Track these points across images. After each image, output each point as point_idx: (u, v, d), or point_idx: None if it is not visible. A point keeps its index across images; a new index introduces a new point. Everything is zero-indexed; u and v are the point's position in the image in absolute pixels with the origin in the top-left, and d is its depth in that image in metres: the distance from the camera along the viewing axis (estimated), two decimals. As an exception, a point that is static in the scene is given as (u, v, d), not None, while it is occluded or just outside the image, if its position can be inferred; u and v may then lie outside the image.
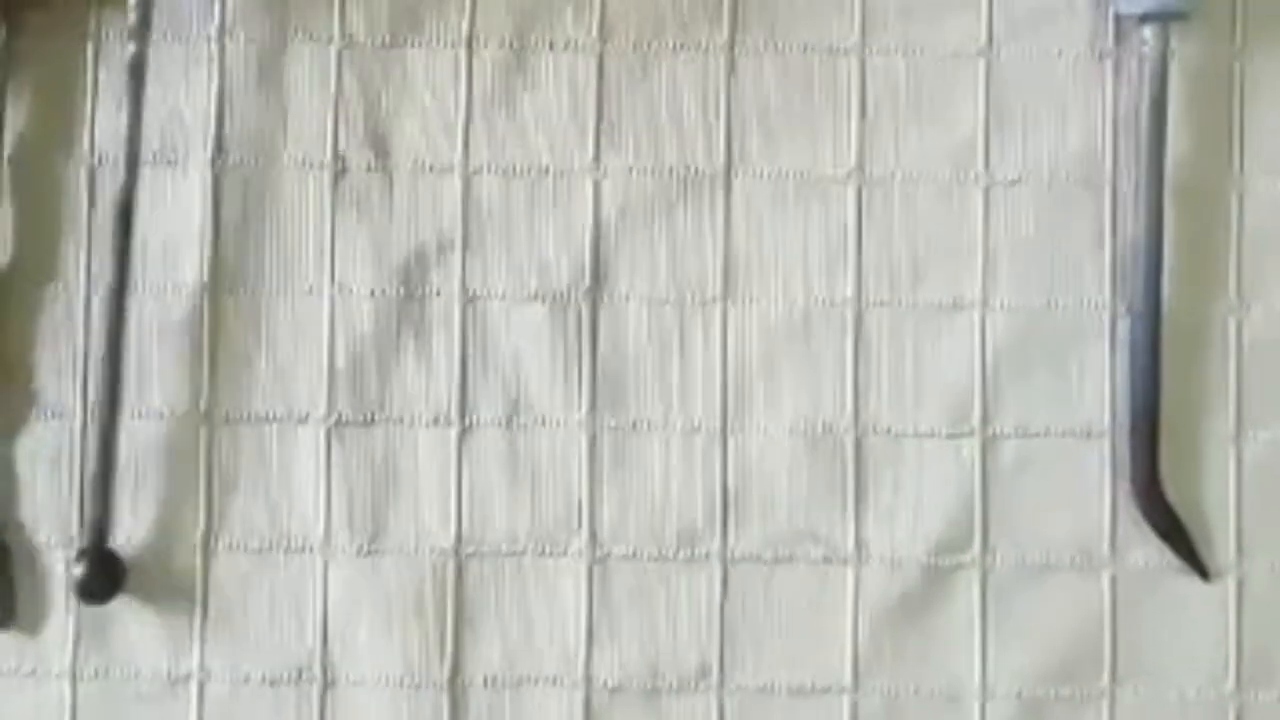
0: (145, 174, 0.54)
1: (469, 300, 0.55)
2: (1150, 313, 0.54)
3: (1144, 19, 0.54)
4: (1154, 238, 0.54)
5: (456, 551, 0.54)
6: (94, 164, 0.55)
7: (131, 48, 0.53)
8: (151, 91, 0.55)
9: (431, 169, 0.55)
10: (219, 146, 0.55)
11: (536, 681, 0.54)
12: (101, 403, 0.53)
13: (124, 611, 0.54)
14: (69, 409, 0.54)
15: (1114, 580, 0.54)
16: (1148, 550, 0.54)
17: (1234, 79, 0.55)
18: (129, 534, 0.54)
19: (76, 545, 0.53)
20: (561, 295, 0.55)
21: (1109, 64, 0.55)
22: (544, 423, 0.55)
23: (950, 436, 0.55)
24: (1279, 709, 0.54)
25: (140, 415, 0.54)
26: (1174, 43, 0.54)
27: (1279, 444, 0.55)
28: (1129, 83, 0.55)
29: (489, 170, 0.55)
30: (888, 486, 0.55)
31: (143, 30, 0.53)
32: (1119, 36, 0.55)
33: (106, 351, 0.53)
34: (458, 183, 0.55)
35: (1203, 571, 0.54)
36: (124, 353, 0.54)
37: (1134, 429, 0.54)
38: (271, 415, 0.54)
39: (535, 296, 0.55)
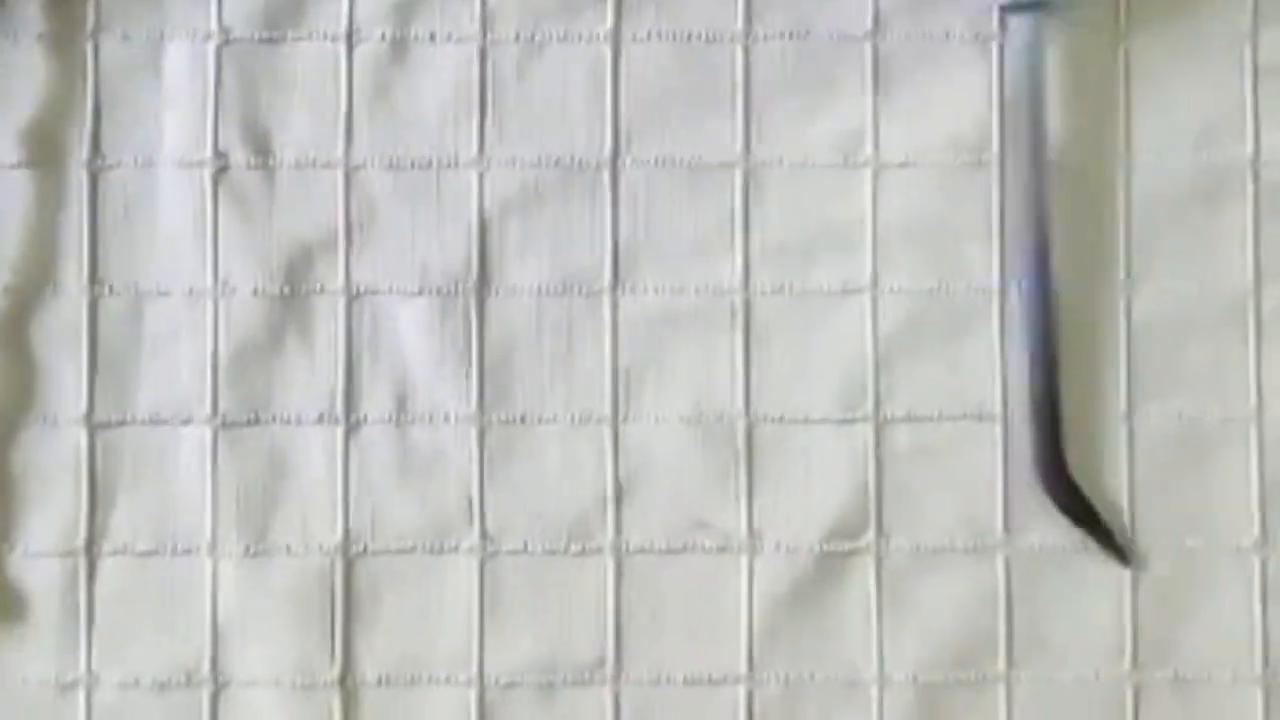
0: (20, 175, 0.54)
1: (354, 296, 0.54)
2: (1041, 294, 0.53)
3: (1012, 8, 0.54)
4: (1040, 217, 0.53)
5: (345, 550, 0.54)
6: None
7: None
8: (29, 92, 0.54)
9: (314, 164, 0.55)
10: (95, 146, 0.54)
11: (429, 679, 0.54)
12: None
13: (10, 619, 0.53)
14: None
15: (1008, 563, 0.54)
16: (1042, 533, 0.54)
17: (1119, 57, 0.55)
18: (15, 542, 0.54)
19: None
20: (448, 288, 0.54)
21: (994, 45, 0.55)
22: (432, 418, 0.54)
23: (843, 422, 0.54)
24: (1175, 687, 0.54)
25: (23, 421, 0.54)
26: (1056, 22, 0.54)
27: (1174, 422, 0.55)
28: (1013, 63, 0.55)
29: (372, 164, 0.55)
30: (780, 474, 0.54)
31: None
32: (1003, 17, 0.55)
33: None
34: (340, 178, 0.55)
35: (1121, 555, 0.54)
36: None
37: (1034, 414, 0.54)
38: (154, 417, 0.54)
39: (421, 290, 0.54)
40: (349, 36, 0.55)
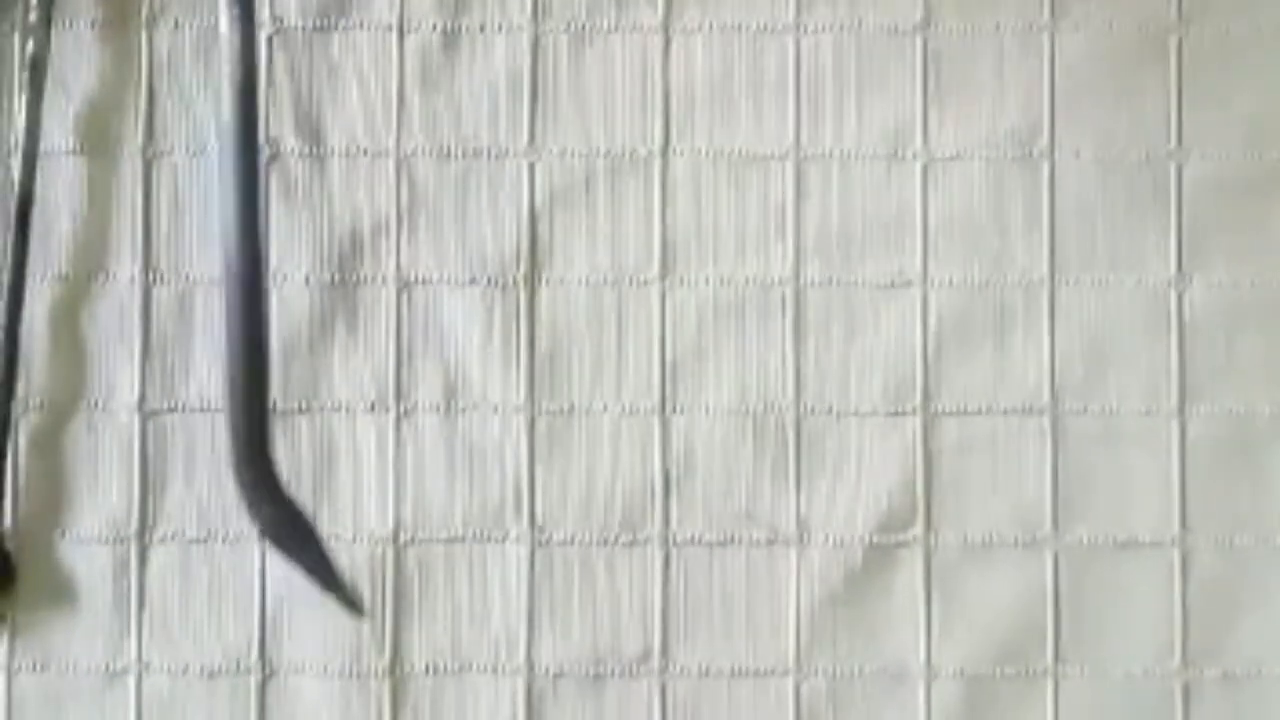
0: (74, 162, 0.54)
1: (404, 285, 0.55)
2: (251, 282, 0.51)
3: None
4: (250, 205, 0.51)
5: (395, 538, 0.54)
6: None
7: (31, 46, 0.53)
8: (83, 79, 0.54)
9: (365, 153, 0.55)
10: (149, 134, 0.55)
11: (478, 669, 0.54)
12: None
13: (61, 606, 0.54)
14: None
15: (1057, 558, 0.54)
16: (1091, 526, 0.54)
17: (1171, 51, 0.55)
18: (66, 528, 0.54)
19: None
20: (498, 278, 0.55)
21: (1045, 36, 0.55)
22: (482, 407, 0.54)
23: (891, 415, 0.54)
24: (1224, 685, 0.53)
25: (75, 408, 0.54)
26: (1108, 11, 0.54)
27: (1224, 417, 0.54)
28: (1066, 56, 0.55)
29: (423, 153, 0.55)
30: (829, 466, 0.54)
31: (44, 28, 0.53)
32: (1055, 9, 0.55)
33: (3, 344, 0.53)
34: (391, 166, 0.55)
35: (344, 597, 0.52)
36: (19, 345, 0.53)
37: (239, 407, 0.51)
38: (205, 404, 0.54)
39: (471, 280, 0.55)
40: (400, 26, 0.55)
